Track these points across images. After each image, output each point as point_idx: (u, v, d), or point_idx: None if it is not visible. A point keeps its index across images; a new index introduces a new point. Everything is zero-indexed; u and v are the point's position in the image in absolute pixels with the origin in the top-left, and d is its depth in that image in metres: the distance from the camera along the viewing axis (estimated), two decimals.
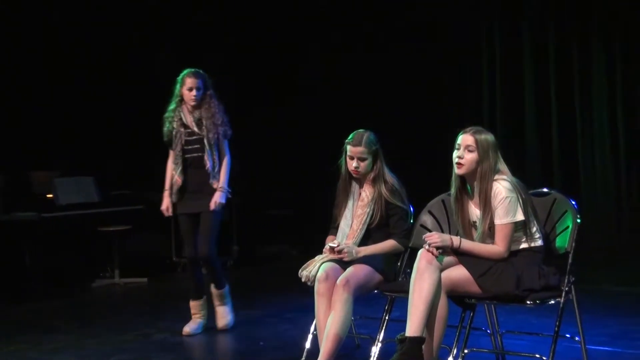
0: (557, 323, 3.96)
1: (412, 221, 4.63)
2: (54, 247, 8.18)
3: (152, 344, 5.45)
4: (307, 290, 4.46)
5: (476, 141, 4.02)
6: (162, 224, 8.83)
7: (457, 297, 4.04)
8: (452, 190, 4.20)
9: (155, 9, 9.54)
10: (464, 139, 4.06)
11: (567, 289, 3.97)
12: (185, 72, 5.56)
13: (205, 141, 5.47)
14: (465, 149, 4.03)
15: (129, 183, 8.90)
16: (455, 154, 4.09)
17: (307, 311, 4.76)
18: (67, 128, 9.25)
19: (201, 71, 5.60)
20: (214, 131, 5.48)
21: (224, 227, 8.91)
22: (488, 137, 4.05)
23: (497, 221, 3.97)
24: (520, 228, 4.01)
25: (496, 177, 4.01)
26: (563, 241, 4.13)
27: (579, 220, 4.12)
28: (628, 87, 8.27)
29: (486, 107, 9.10)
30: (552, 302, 3.95)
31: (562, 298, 3.95)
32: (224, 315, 5.65)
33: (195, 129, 5.50)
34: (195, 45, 9.56)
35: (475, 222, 4.11)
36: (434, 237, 3.99)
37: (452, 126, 9.37)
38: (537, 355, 4.08)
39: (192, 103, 5.50)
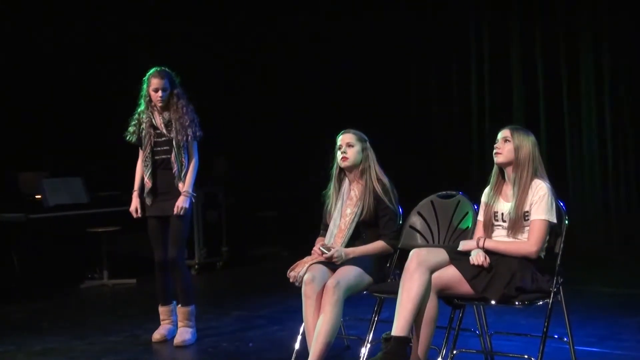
0: (546, 324, 3.97)
1: (401, 222, 4.64)
2: (42, 249, 8.15)
3: (141, 345, 5.44)
4: (296, 292, 4.46)
5: (512, 133, 4.18)
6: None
7: (446, 297, 4.05)
8: (490, 185, 4.27)
9: (144, 10, 9.52)
10: (502, 132, 4.23)
11: (555, 290, 3.99)
12: (150, 71, 5.42)
13: (174, 143, 5.37)
14: (502, 140, 4.19)
15: (118, 184, 8.88)
16: (494, 147, 4.23)
17: (296, 312, 4.76)
18: (56, 129, 9.23)
19: (167, 69, 5.44)
20: (182, 133, 5.36)
21: (214, 228, 8.99)
22: (526, 133, 4.19)
23: (535, 216, 4.01)
24: None
25: (538, 177, 4.10)
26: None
27: (567, 222, 4.14)
28: (616, 89, 8.32)
29: (475, 108, 9.14)
30: (541, 303, 3.96)
31: (551, 299, 3.96)
32: (182, 333, 5.40)
33: (164, 131, 5.40)
34: (182, 46, 9.55)
35: (496, 212, 4.14)
36: (480, 258, 3.97)
37: (440, 127, 9.41)
38: (526, 356, 4.09)
39: (159, 104, 5.39)
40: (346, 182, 4.65)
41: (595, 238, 8.41)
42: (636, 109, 8.27)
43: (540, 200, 4.02)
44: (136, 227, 8.49)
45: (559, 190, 4.23)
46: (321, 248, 4.41)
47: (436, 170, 9.20)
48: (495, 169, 4.26)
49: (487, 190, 4.29)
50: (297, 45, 9.90)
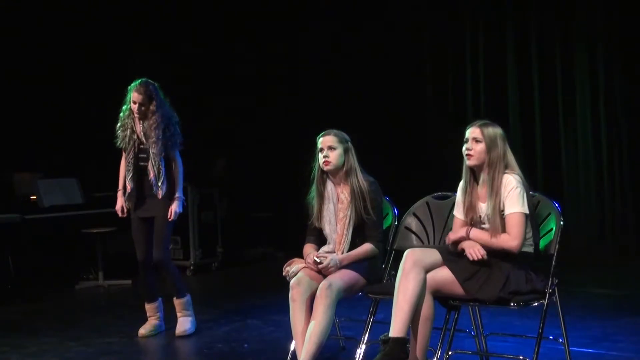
0: (541, 325, 3.98)
1: (396, 223, 4.64)
2: (38, 249, 8.14)
3: (135, 345, 5.45)
4: None
5: (482, 132, 4.07)
6: None
7: (441, 298, 4.05)
8: (462, 185, 4.19)
9: (136, 9, 9.50)
10: (471, 131, 4.10)
11: (550, 291, 3.99)
12: (133, 84, 5.53)
13: (150, 151, 5.50)
14: (472, 140, 4.08)
15: (113, 184, 8.85)
16: (464, 147, 4.12)
17: None
18: (51, 129, 9.21)
19: (149, 81, 5.53)
20: (157, 143, 5.48)
21: (209, 229, 8.98)
22: (495, 128, 4.09)
23: (508, 210, 3.95)
24: None
25: (507, 170, 4.03)
26: (546, 243, 4.15)
27: (562, 223, 4.14)
28: (610, 90, 8.33)
29: (470, 110, 9.14)
30: (536, 304, 3.96)
31: (546, 300, 3.97)
32: (182, 323, 5.63)
33: (143, 139, 5.54)
34: (175, 46, 9.55)
35: (481, 216, 4.08)
36: (478, 252, 3.93)
37: (435, 131, 9.41)
38: (521, 357, 4.10)
39: (137, 115, 5.53)
40: (330, 184, 4.58)
41: (590, 239, 8.42)
42: (631, 110, 8.28)
43: (510, 193, 3.95)
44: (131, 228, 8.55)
45: (554, 192, 4.22)
46: (315, 259, 4.39)
47: (432, 171, 9.20)
48: (465, 168, 4.15)
49: (461, 188, 4.21)
50: (295, 47, 9.89)
